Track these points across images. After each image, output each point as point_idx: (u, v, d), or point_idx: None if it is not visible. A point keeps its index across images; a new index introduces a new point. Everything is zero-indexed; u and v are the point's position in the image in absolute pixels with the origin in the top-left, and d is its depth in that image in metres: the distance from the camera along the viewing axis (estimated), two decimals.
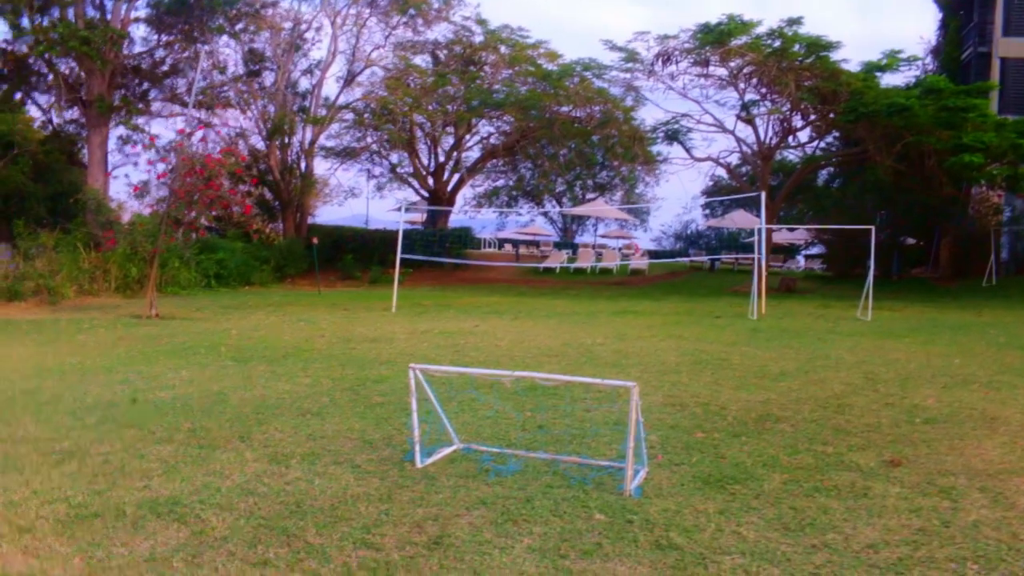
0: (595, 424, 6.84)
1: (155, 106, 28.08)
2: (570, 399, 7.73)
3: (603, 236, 56.02)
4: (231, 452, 5.85)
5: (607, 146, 35.11)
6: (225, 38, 28.21)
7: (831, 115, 28.54)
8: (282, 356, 11.03)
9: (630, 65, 30.81)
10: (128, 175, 41.92)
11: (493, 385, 8.15)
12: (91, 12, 24.86)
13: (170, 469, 5.40)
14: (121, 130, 26.82)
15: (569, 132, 33.60)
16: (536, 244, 52.13)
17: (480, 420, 6.96)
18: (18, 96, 26.17)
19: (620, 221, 52.57)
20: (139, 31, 26.94)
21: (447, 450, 5.90)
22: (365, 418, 7.05)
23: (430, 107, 32.91)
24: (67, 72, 25.87)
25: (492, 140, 37.78)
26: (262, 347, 12.03)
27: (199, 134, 20.19)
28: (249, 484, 5.07)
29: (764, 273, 19.84)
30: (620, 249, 46.33)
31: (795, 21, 27.48)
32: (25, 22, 24.26)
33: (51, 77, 26.12)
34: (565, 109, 32.44)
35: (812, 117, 30.50)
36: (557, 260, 37.61)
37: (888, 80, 28.00)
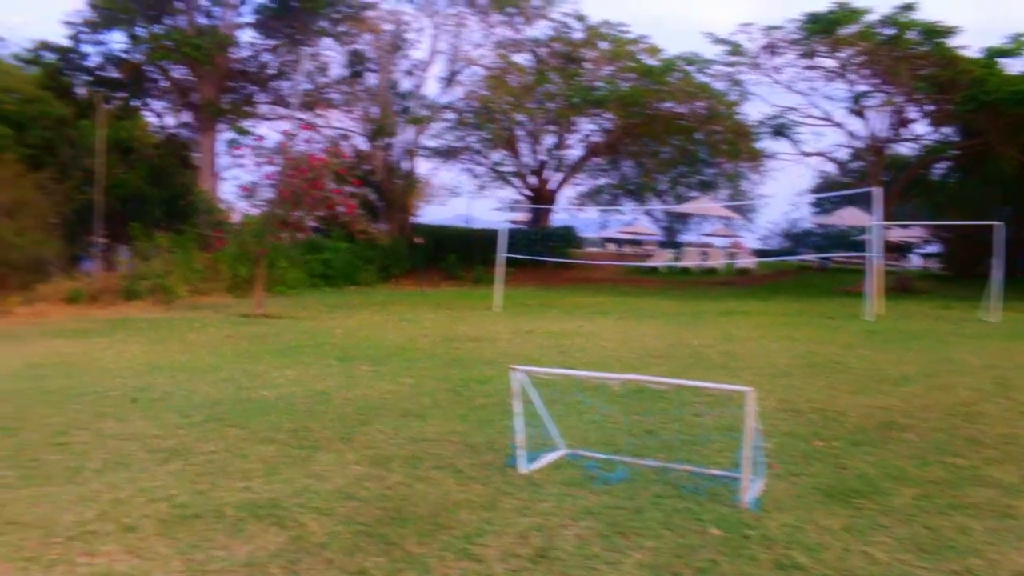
0: (706, 430, 6.53)
1: (261, 108, 28.80)
2: (679, 403, 7.43)
3: (708, 235, 54.89)
4: (332, 453, 5.77)
5: (711, 142, 34.33)
6: (328, 40, 28.72)
7: (949, 105, 27.16)
8: (385, 356, 11.03)
9: (734, 59, 30.02)
10: (237, 177, 43.05)
11: (599, 388, 7.90)
12: (201, 20, 25.67)
13: (271, 470, 5.34)
14: (230, 133, 27.59)
15: (672, 128, 32.99)
16: (639, 243, 51.42)
17: (586, 424, 6.73)
18: (135, 103, 27.20)
19: (725, 219, 51.46)
20: (246, 36, 27.71)
21: (552, 455, 5.69)
22: (468, 420, 6.90)
23: (531, 105, 32.78)
24: (179, 78, 26.79)
25: (594, 138, 37.41)
26: (366, 346, 12.08)
27: (303, 135, 20.54)
28: (349, 487, 4.97)
29: (879, 272, 18.99)
30: (726, 248, 45.29)
31: (909, 7, 26.25)
32: (141, 32, 25.23)
33: (165, 84, 27.11)
34: (667, 105, 31.84)
35: (928, 108, 29.14)
36: (661, 259, 37.02)
37: (1013, 66, 26.46)
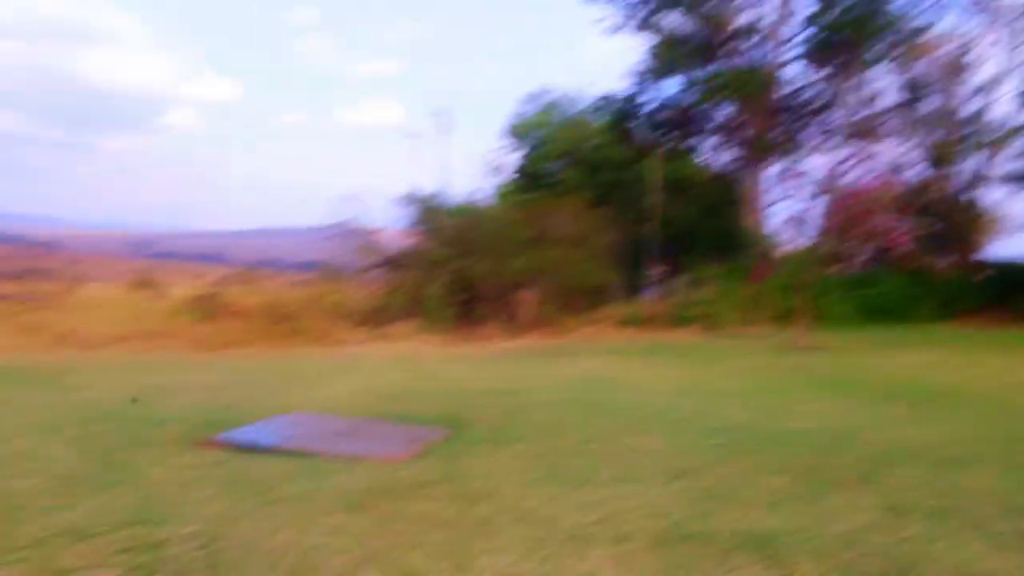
0: None
1: (809, 141, 28.27)
2: None
3: None
4: (845, 495, 5.25)
5: None
6: (879, 68, 27.24)
7: None
8: (929, 397, 9.94)
9: None
10: (784, 210, 42.81)
11: None
12: (748, 58, 26.18)
13: (774, 503, 5.03)
14: (777, 167, 27.60)
15: None
16: None
17: None
18: (687, 143, 28.65)
19: None
20: (792, 69, 27.55)
21: None
22: (1016, 478, 5.82)
23: None
24: (727, 117, 27.64)
25: None
26: (908, 386, 11.04)
27: (853, 166, 19.72)
28: (855, 534, 4.45)
29: None
30: None
31: None
32: (692, 77, 26.64)
33: (713, 123, 28.17)
34: None
35: None
36: None
37: None
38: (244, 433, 7.05)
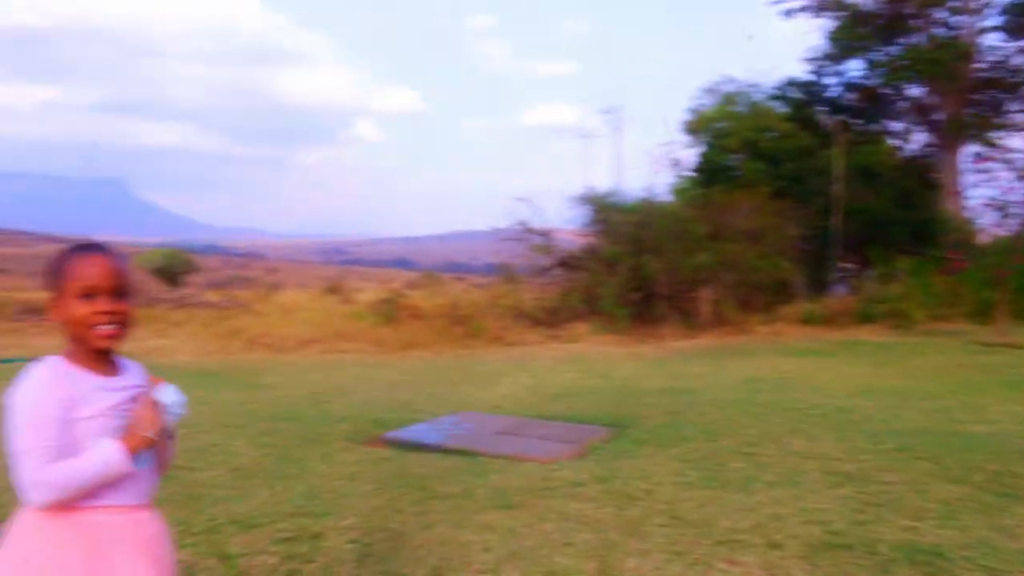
0: None
1: (1014, 118, 26.07)
2: None
3: None
4: None
5: None
6: None
7: None
8: None
9: None
10: (985, 194, 39.67)
11: None
12: (940, 32, 24.49)
13: (949, 513, 4.69)
14: (976, 147, 25.68)
15: None
16: None
17: None
18: (874, 127, 27.06)
19: None
20: (991, 41, 25.50)
21: None
22: None
23: None
24: (917, 97, 25.96)
25: None
26: None
27: None
28: None
29: None
30: None
31: None
32: (877, 56, 25.15)
33: (903, 104, 26.51)
34: None
35: None
36: None
37: None
38: (410, 432, 7.31)
